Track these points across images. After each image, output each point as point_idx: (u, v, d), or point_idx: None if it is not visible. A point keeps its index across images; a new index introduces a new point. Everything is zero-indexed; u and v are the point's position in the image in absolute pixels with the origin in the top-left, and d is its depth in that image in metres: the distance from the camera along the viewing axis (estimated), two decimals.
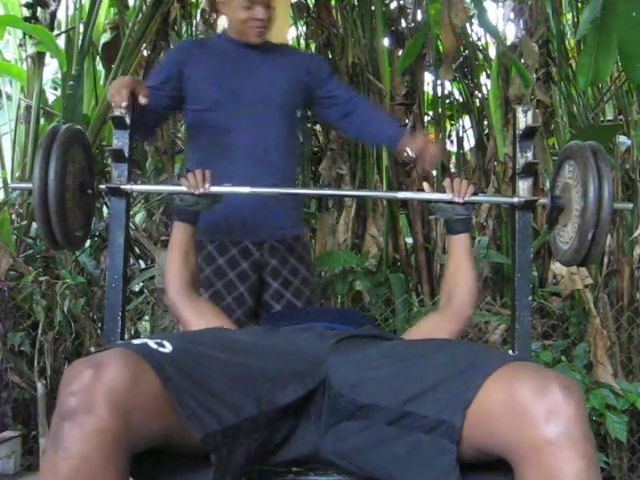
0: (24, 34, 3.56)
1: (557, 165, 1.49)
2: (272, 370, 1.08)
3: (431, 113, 3.44)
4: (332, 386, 1.10)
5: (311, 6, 3.39)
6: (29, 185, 1.31)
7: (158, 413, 0.88)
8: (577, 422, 0.82)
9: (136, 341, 0.96)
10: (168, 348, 0.95)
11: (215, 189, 1.45)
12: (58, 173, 1.28)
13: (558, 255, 1.49)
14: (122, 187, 1.45)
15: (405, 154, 1.65)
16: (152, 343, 0.94)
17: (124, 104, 1.43)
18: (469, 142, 3.43)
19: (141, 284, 2.98)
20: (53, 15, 3.44)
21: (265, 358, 1.10)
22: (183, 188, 1.44)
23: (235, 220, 1.76)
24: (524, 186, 1.53)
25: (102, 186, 1.47)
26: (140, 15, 3.17)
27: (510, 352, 1.03)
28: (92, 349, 2.70)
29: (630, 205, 1.54)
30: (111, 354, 0.86)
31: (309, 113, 3.00)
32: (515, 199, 1.49)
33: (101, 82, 3.54)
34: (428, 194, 1.53)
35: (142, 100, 1.45)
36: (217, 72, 1.77)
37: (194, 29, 3.51)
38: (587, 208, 1.28)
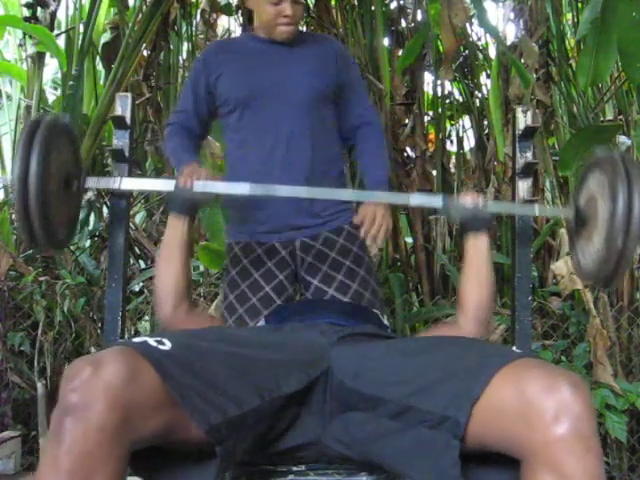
0: (24, 34, 3.56)
1: (581, 177, 1.40)
2: (274, 360, 1.08)
3: (431, 113, 3.44)
4: (334, 375, 1.11)
5: (311, 6, 3.38)
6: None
7: (158, 409, 0.89)
8: (586, 419, 0.84)
9: (136, 339, 0.97)
10: (167, 345, 0.96)
11: (201, 183, 1.42)
12: (41, 161, 1.19)
13: (583, 273, 1.37)
14: (112, 188, 1.43)
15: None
16: (152, 341, 0.95)
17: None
18: (469, 142, 3.43)
19: (141, 284, 2.98)
20: (53, 15, 3.44)
21: (267, 350, 1.11)
22: (175, 183, 1.43)
23: (261, 221, 1.71)
24: (524, 186, 1.53)
25: (89, 182, 1.42)
26: (140, 15, 3.17)
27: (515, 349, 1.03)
28: (92, 349, 2.70)
29: None
30: (110, 352, 0.87)
31: None
32: (537, 209, 1.48)
33: (101, 82, 3.54)
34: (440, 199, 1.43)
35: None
36: (243, 72, 1.72)
37: (194, 29, 3.52)
38: (616, 211, 1.20)
